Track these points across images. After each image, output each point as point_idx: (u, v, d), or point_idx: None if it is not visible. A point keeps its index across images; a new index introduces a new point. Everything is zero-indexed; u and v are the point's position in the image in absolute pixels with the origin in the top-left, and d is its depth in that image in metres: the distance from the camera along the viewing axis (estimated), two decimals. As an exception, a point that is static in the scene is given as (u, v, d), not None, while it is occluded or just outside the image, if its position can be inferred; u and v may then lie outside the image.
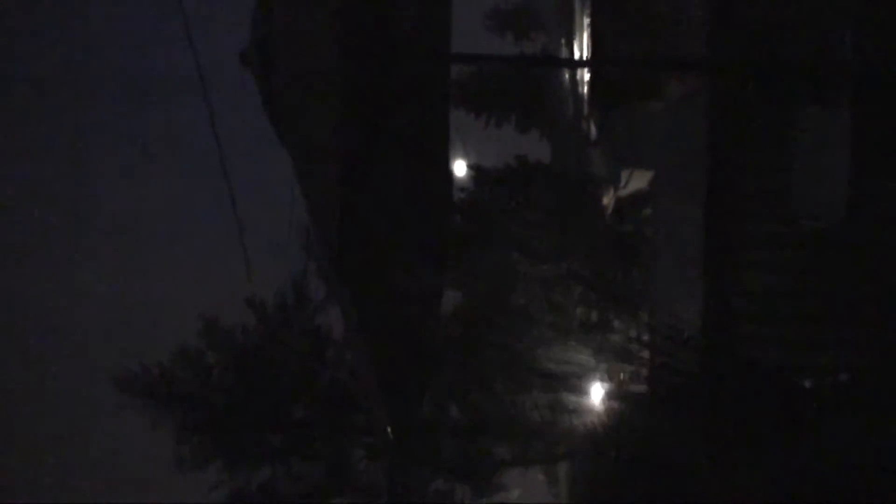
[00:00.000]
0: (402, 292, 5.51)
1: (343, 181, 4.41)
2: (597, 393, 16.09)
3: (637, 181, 16.59)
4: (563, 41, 18.57)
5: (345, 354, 20.71)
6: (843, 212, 7.33)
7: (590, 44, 15.55)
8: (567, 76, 18.48)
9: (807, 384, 8.54)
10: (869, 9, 7.37)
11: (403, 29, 5.48)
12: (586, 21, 15.61)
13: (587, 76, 16.20)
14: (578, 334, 17.14)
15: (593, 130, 17.00)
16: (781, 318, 8.63)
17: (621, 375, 16.34)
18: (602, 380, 16.75)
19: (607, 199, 17.75)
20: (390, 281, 5.23)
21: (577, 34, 16.68)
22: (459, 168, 19.48)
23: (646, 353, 15.59)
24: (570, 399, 16.80)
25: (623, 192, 17.17)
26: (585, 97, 16.61)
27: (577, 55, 17.03)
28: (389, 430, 5.52)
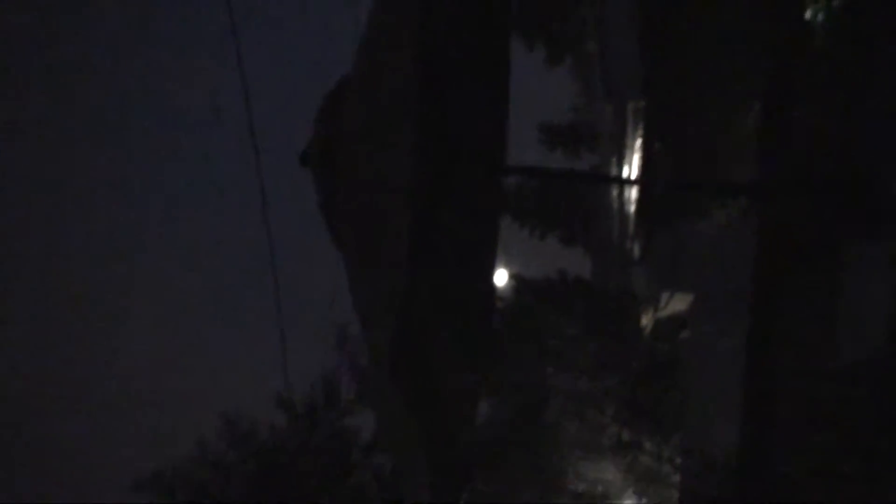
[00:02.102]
0: (439, 396, 5.56)
1: (404, 287, 4.51)
2: (626, 513, 15.90)
3: (677, 303, 16.60)
4: (613, 159, 18.81)
5: (371, 458, 20.57)
6: (886, 346, 7.31)
7: (639, 163, 15.74)
8: (614, 193, 18.67)
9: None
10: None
11: (461, 137, 5.63)
12: (637, 141, 15.84)
13: (634, 195, 16.36)
14: (610, 453, 17.00)
15: (637, 249, 17.10)
16: (818, 449, 8.54)
17: (651, 497, 16.14)
18: (632, 500, 16.55)
19: (646, 319, 17.75)
20: (431, 384, 5.29)
21: (628, 153, 16.90)
22: (501, 277, 19.60)
23: (677, 477, 15.41)
24: (598, 518, 16.60)
25: (662, 314, 17.17)
26: (631, 215, 16.75)
27: (626, 173, 17.22)
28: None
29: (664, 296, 16.67)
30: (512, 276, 19.55)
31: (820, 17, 8.25)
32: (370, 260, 4.73)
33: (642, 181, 15.70)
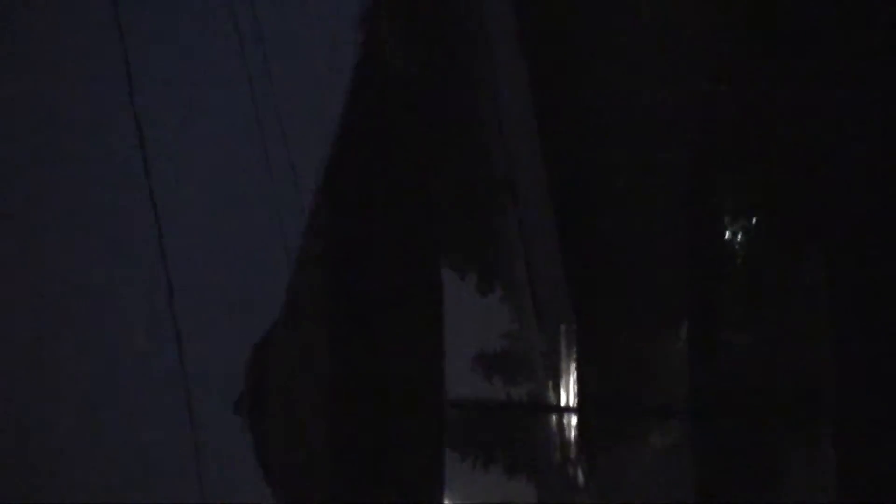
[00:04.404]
0: None
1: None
2: None
3: (624, 529, 16.29)
4: (549, 383, 18.80)
5: None
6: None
7: (576, 389, 15.74)
8: (554, 420, 18.55)
9: None
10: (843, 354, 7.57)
11: (397, 374, 5.62)
12: (572, 364, 15.89)
13: (574, 421, 16.28)
14: None
15: (580, 476, 16.89)
16: None
17: None
18: None
19: (595, 547, 17.34)
20: None
21: (563, 377, 16.92)
22: (446, 511, 19.16)
23: None
24: None
25: (610, 541, 16.81)
26: (572, 441, 16.62)
27: (562, 398, 17.19)
28: None
29: (611, 521, 16.38)
30: (456, 510, 19.14)
31: (740, 235, 8.50)
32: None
33: (578, 407, 15.70)
